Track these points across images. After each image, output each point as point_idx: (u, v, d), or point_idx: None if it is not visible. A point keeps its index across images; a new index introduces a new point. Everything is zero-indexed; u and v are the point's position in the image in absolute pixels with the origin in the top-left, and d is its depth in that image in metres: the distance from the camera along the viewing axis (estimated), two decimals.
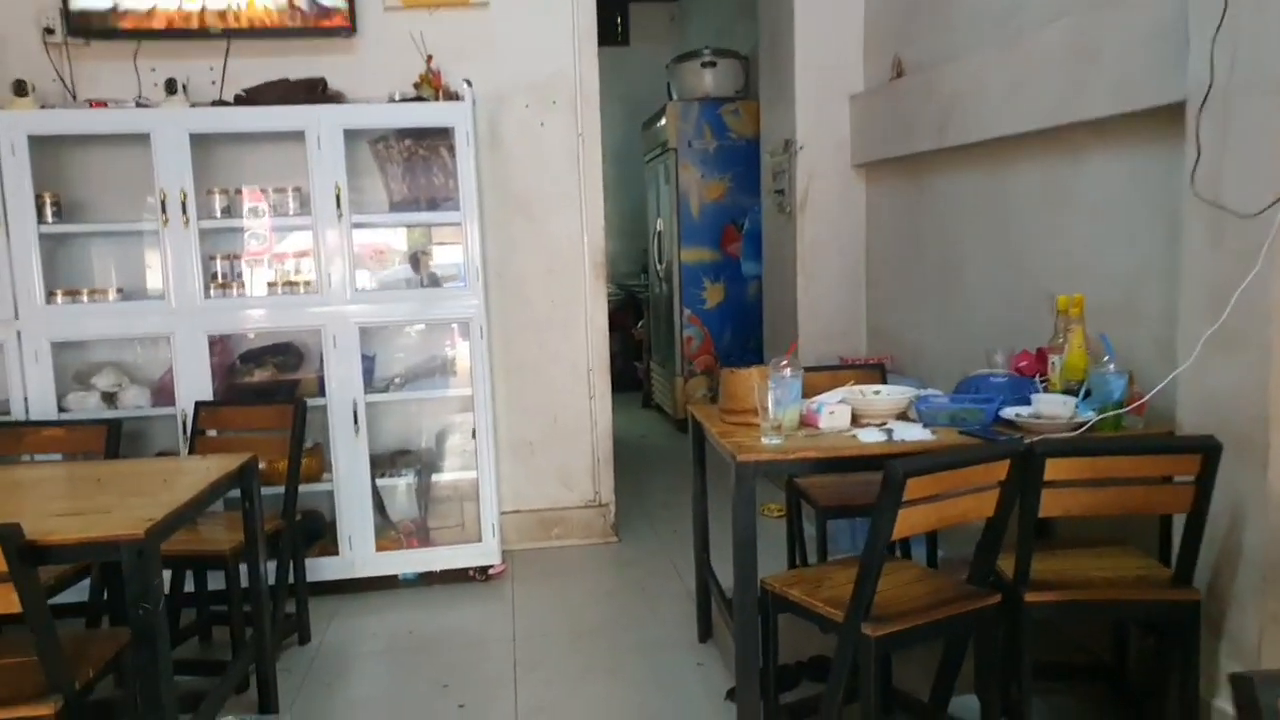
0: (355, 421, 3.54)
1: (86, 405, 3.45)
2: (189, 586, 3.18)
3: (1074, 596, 2.20)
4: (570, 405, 4.11)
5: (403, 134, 3.71)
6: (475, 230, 3.58)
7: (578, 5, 3.94)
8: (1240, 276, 2.10)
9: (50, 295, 3.38)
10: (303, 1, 3.58)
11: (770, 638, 2.38)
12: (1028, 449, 2.09)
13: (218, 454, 2.85)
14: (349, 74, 3.71)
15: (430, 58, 3.71)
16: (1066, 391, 2.55)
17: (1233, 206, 2.13)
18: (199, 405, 3.30)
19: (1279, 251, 2.05)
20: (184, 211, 3.38)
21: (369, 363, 3.67)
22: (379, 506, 3.70)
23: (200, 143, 3.43)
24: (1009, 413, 2.48)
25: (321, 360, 3.56)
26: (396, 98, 3.63)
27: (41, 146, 3.37)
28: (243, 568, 2.75)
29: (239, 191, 3.57)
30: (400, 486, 3.77)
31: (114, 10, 3.47)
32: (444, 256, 3.80)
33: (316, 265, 3.52)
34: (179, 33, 3.55)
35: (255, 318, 3.55)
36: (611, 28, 7.27)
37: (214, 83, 3.65)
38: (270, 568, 2.93)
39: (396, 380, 3.78)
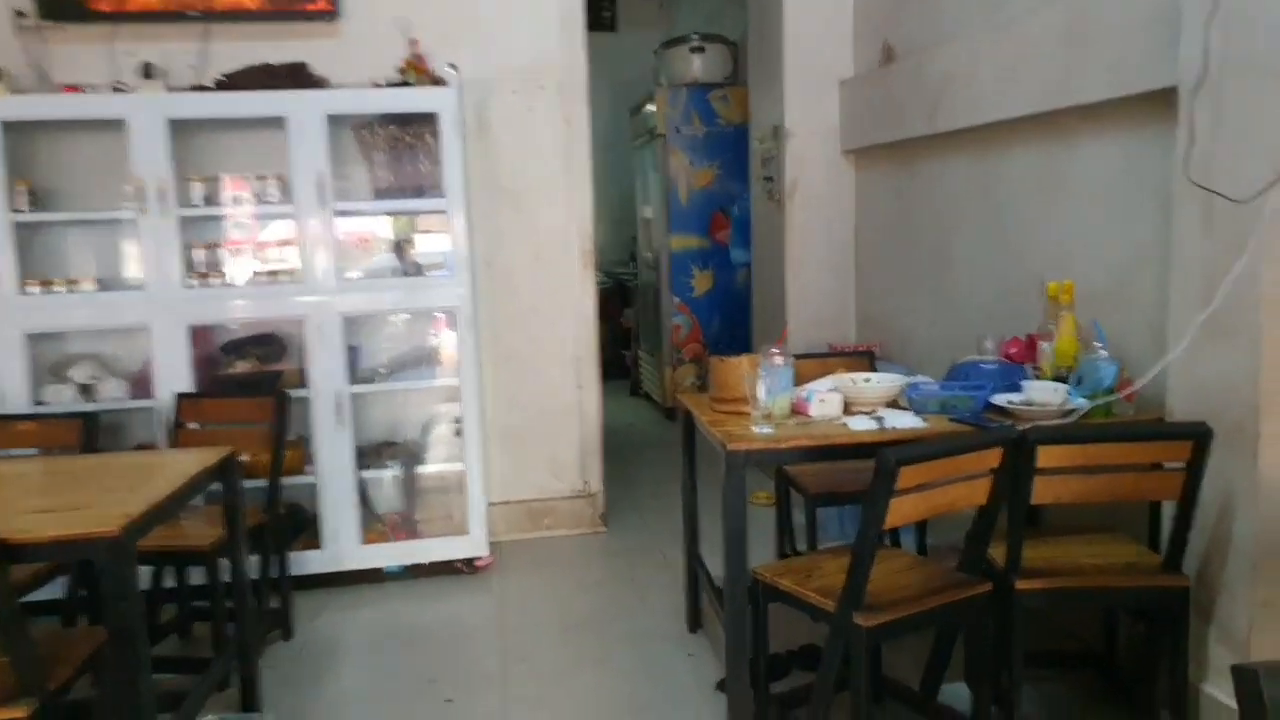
0: (339, 413, 3.49)
1: (62, 398, 3.39)
2: (169, 582, 3.13)
3: (1065, 584, 2.19)
4: (558, 395, 4.07)
5: (387, 120, 3.65)
6: (461, 218, 3.54)
7: None
8: (1232, 262, 2.08)
9: (24, 286, 3.31)
10: None
11: (760, 627, 2.36)
12: (1020, 436, 2.07)
13: (199, 447, 2.79)
14: (332, 58, 3.64)
15: (415, 42, 3.65)
16: (1057, 378, 2.54)
17: (1225, 192, 2.11)
18: (180, 397, 3.25)
19: (1271, 237, 2.03)
20: (162, 199, 3.32)
21: (353, 353, 3.62)
22: (364, 499, 3.66)
23: (179, 129, 3.36)
24: (1000, 400, 2.47)
25: (305, 351, 3.51)
26: (381, 83, 3.57)
27: (14, 133, 3.30)
28: (224, 562, 2.70)
29: (219, 179, 3.50)
30: (386, 478, 3.73)
31: None
32: (430, 245, 3.74)
33: (299, 254, 3.46)
34: (156, 15, 3.48)
35: (237, 308, 3.50)
36: (599, 13, 7.19)
37: (192, 67, 3.58)
38: (253, 562, 2.89)
39: (381, 371, 3.73)
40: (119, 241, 3.55)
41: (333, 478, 3.53)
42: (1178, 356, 2.25)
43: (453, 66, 3.59)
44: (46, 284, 3.35)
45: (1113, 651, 2.58)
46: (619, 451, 4.96)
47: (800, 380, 2.59)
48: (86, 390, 3.43)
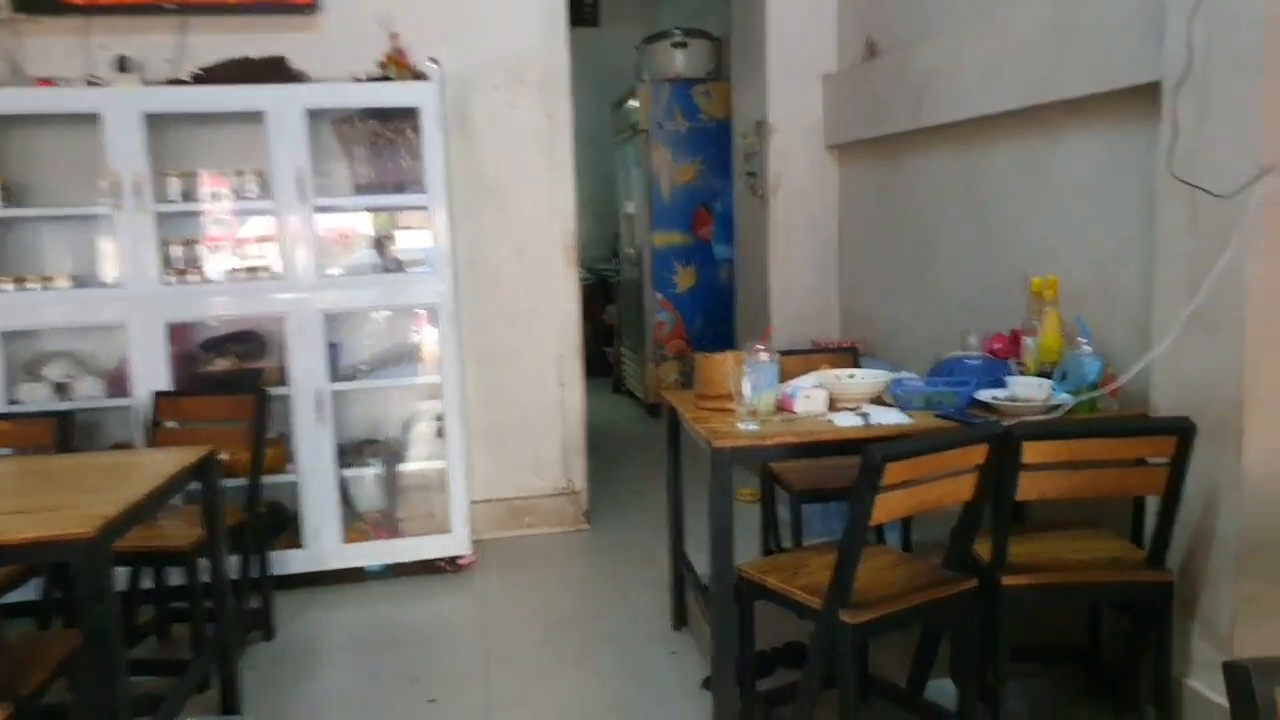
0: (320, 411, 3.46)
1: (37, 397, 3.33)
2: (147, 583, 3.09)
3: (1050, 580, 2.19)
4: (541, 392, 4.05)
5: (368, 115, 3.61)
6: (443, 214, 3.50)
7: None
8: (1216, 257, 2.08)
9: None
10: None
11: (746, 625, 2.35)
12: (1006, 432, 2.07)
13: (177, 446, 2.75)
14: (311, 52, 3.60)
15: (396, 36, 3.61)
16: (1041, 374, 2.54)
17: (1209, 187, 2.11)
18: (158, 396, 3.21)
19: (1255, 232, 2.04)
20: (139, 195, 3.27)
21: (334, 350, 3.58)
22: (345, 497, 3.62)
23: (155, 124, 3.31)
24: (984, 395, 2.47)
25: (285, 348, 3.47)
26: (361, 77, 3.53)
27: None
28: (204, 563, 2.66)
29: (196, 174, 3.45)
30: (367, 477, 3.69)
31: None
32: (411, 241, 3.70)
33: (279, 250, 3.42)
34: (131, 8, 3.43)
35: (215, 305, 3.45)
36: (581, 8, 7.15)
37: (169, 61, 3.52)
38: (233, 562, 2.85)
39: (363, 368, 3.69)
40: (95, 237, 3.50)
41: (314, 476, 3.49)
42: (1162, 352, 2.25)
43: (434, 61, 3.55)
44: (20, 281, 3.29)
45: (1096, 646, 2.59)
46: (602, 449, 4.94)
47: (785, 376, 2.58)
48: (62, 389, 3.38)
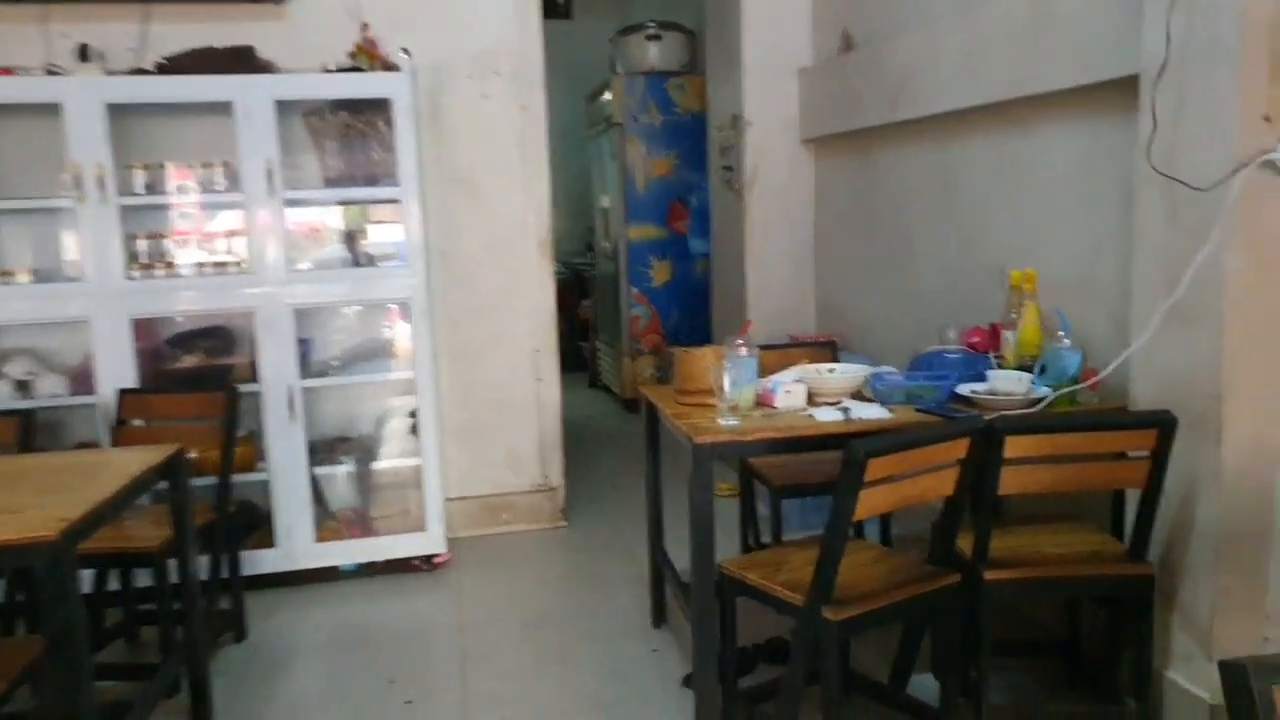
0: (291, 407, 3.39)
1: None
2: (114, 585, 3.01)
3: (1032, 574, 2.18)
4: (517, 387, 4.00)
5: (338, 106, 3.55)
6: (415, 206, 3.45)
7: None
8: (1195, 250, 2.09)
9: None
10: None
11: (727, 622, 2.33)
12: (988, 426, 2.06)
13: (144, 445, 2.68)
14: (280, 42, 3.52)
15: (366, 26, 3.55)
16: (1021, 368, 2.53)
17: (1188, 180, 2.11)
18: (123, 393, 3.13)
19: (1234, 225, 2.04)
20: (101, 187, 3.18)
21: (305, 346, 3.52)
22: (318, 496, 3.56)
23: (119, 114, 3.23)
24: (964, 389, 2.46)
25: (255, 344, 3.40)
26: (331, 68, 3.47)
27: None
28: (173, 564, 2.60)
29: (162, 166, 3.37)
30: (340, 474, 3.64)
31: None
32: (382, 235, 3.64)
33: (248, 244, 3.35)
34: None
35: (182, 300, 3.37)
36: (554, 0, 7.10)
37: (132, 50, 3.43)
38: (203, 563, 2.78)
39: (334, 364, 3.63)
40: (57, 231, 3.41)
41: (285, 474, 3.43)
42: (1142, 345, 2.26)
43: (405, 51, 3.49)
44: None
45: (1076, 639, 2.60)
46: (578, 444, 4.91)
47: (764, 371, 2.56)
48: (23, 387, 3.29)
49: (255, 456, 3.44)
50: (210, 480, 2.98)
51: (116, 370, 3.24)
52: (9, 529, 1.81)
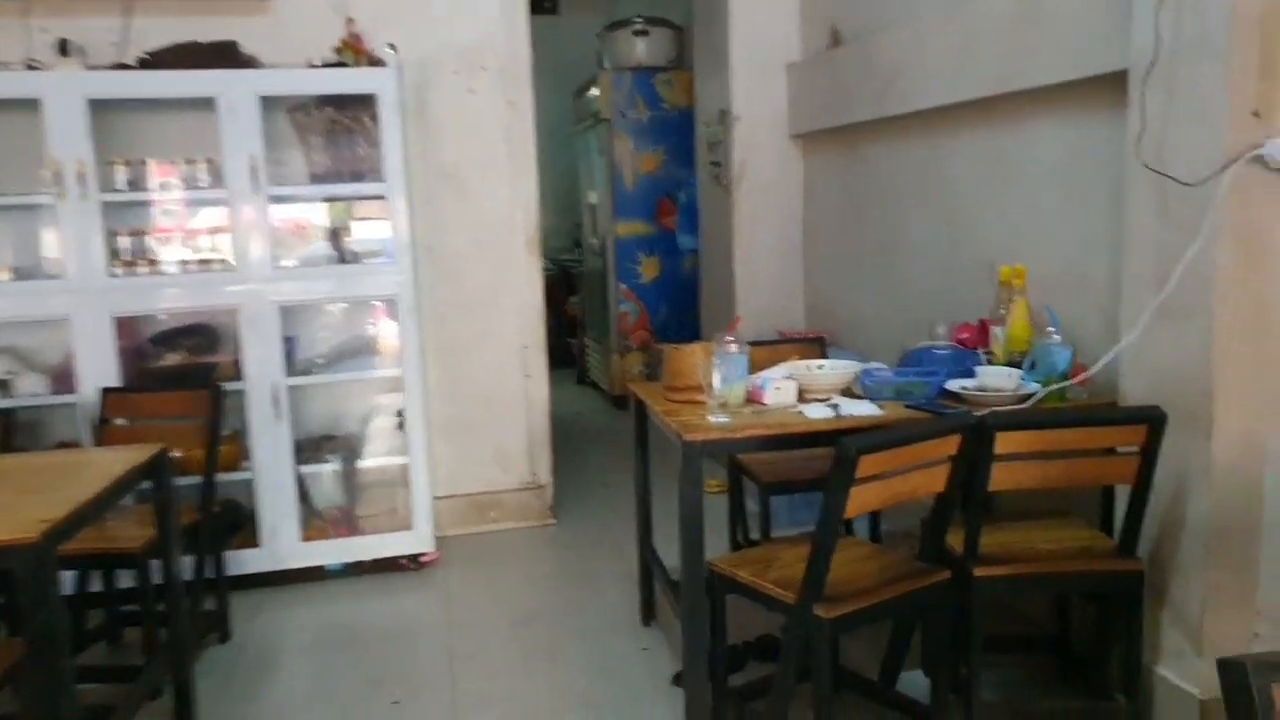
0: (276, 406, 3.36)
1: None
2: (97, 586, 2.98)
3: (1023, 570, 2.18)
4: (505, 384, 3.98)
5: (323, 102, 3.51)
6: (402, 203, 3.42)
7: None
8: (1184, 246, 2.08)
9: None
10: None
11: (717, 620, 2.32)
12: (979, 422, 2.05)
13: (127, 444, 2.65)
14: (264, 37, 3.48)
15: (351, 20, 3.51)
16: (1010, 363, 2.53)
17: (1177, 175, 2.11)
18: (106, 392, 3.09)
19: (1224, 221, 2.04)
20: (82, 184, 3.14)
21: (290, 344, 3.48)
22: (303, 495, 3.53)
23: (100, 110, 3.18)
24: (954, 385, 2.45)
25: (239, 342, 3.36)
26: (316, 63, 3.43)
27: None
28: (156, 564, 2.56)
29: (144, 163, 3.33)
30: (326, 473, 3.60)
31: None
32: (368, 231, 3.60)
33: (232, 241, 3.31)
34: None
35: (165, 297, 3.33)
36: None
37: (114, 44, 3.39)
38: (187, 563, 2.75)
39: (320, 362, 3.60)
40: (37, 228, 3.36)
41: (270, 473, 3.39)
42: (1131, 341, 2.25)
43: (391, 46, 3.46)
44: None
45: (1067, 635, 2.60)
46: (567, 441, 4.89)
47: (753, 368, 2.55)
48: (3, 386, 3.24)
49: (240, 455, 3.40)
50: (194, 479, 2.94)
51: (98, 369, 3.20)
52: None
